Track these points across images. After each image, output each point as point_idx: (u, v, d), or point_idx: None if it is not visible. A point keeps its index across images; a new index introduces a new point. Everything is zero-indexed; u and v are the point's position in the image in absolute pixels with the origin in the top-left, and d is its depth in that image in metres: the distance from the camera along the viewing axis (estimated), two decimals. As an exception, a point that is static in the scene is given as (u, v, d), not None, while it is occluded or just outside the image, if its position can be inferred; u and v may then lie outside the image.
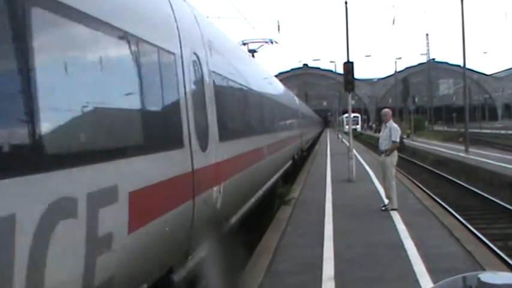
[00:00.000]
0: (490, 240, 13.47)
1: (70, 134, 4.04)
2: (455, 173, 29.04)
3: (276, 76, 29.81)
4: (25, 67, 3.45)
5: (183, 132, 6.30)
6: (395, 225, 12.36)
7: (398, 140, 14.32)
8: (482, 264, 8.95)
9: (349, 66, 21.54)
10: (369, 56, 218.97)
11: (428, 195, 19.45)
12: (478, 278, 1.84)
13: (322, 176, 23.84)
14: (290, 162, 23.40)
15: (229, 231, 9.01)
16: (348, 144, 25.11)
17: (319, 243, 10.76)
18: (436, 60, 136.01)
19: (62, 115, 3.94)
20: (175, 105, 6.26)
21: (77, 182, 3.89)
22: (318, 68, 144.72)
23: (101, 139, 4.47)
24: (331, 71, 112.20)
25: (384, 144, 14.55)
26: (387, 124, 14.54)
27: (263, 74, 17.96)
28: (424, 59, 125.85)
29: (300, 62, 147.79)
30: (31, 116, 3.41)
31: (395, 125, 14.50)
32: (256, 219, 12.80)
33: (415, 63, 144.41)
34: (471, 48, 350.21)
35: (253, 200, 11.92)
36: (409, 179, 23.74)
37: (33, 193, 3.38)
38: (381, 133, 15.27)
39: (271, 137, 15.73)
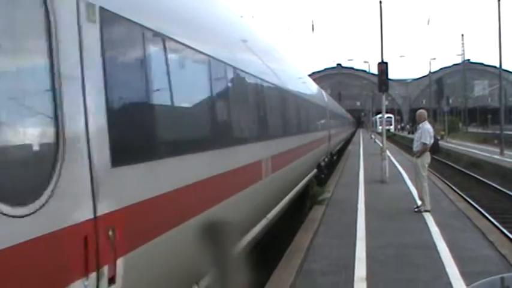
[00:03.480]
0: (524, 244, 13.32)
1: None
2: (490, 175, 28.73)
3: (309, 75, 29.95)
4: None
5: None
6: (428, 227, 12.32)
7: (428, 141, 14.10)
8: (516, 268, 8.88)
9: (383, 66, 21.45)
10: (403, 56, 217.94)
11: (462, 197, 19.29)
12: None
13: (355, 176, 23.80)
14: None
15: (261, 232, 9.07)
16: (381, 144, 25.02)
17: (352, 244, 10.77)
18: (471, 60, 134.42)
19: None
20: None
21: None
22: (352, 68, 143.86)
23: None
24: (365, 71, 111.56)
25: (416, 145, 14.48)
26: (420, 125, 14.47)
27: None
28: (459, 60, 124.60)
29: (333, 61, 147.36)
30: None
31: (428, 126, 14.34)
32: (288, 219, 12.84)
33: (450, 64, 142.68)
34: (508, 49, 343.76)
35: None
36: (443, 181, 23.55)
37: None
38: (415, 134, 15.17)
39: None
